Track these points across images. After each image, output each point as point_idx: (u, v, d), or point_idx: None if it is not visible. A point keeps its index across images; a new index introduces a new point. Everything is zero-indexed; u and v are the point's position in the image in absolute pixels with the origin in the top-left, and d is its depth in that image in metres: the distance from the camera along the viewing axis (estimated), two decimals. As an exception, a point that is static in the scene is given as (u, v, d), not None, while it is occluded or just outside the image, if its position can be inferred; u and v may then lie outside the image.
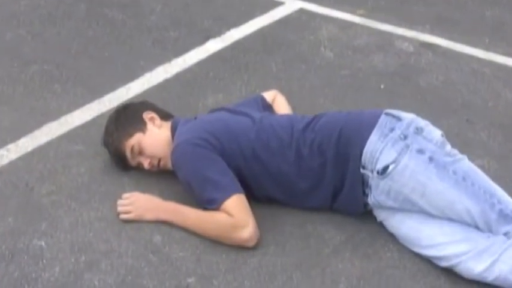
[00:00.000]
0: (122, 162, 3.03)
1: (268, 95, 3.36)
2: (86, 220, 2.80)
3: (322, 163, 2.77)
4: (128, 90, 3.69)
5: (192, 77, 3.84)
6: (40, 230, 2.74)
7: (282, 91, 3.46)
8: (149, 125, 3.00)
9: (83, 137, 3.28)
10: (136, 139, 2.95)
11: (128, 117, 3.03)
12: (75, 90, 3.65)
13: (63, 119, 3.40)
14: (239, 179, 2.76)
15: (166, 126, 3.02)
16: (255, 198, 2.80)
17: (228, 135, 2.81)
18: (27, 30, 4.26)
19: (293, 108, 3.35)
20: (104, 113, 3.44)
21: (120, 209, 2.84)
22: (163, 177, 2.98)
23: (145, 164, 2.97)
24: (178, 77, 3.83)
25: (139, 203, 2.84)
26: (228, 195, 2.68)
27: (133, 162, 3.01)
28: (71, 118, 3.42)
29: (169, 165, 2.90)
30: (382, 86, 3.84)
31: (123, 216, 2.82)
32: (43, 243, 2.68)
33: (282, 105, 3.35)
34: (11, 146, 3.19)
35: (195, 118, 3.02)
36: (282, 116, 3.06)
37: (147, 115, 3.02)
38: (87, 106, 3.52)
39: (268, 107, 3.27)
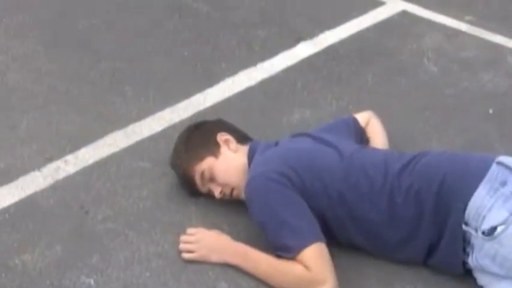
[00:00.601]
0: (191, 188, 2.67)
1: (362, 117, 2.94)
2: (144, 256, 2.45)
3: (418, 214, 2.36)
4: (205, 97, 3.32)
5: (277, 86, 3.43)
6: (90, 264, 2.40)
7: (377, 109, 3.03)
8: (223, 149, 2.63)
9: (150, 151, 2.92)
10: (207, 164, 2.59)
11: (200, 137, 2.67)
12: (147, 93, 3.28)
13: (130, 129, 3.05)
14: (320, 221, 2.38)
15: (243, 151, 2.64)
16: (336, 242, 2.44)
17: (311, 172, 2.42)
18: (102, 20, 3.92)
19: (387, 131, 2.92)
20: (176, 123, 3.08)
21: (182, 246, 2.48)
22: (236, 209, 2.61)
23: (216, 192, 2.60)
24: (263, 85, 3.43)
25: (205, 241, 2.47)
26: (306, 244, 2.30)
27: (203, 189, 2.65)
28: (139, 128, 3.06)
29: (243, 195, 2.52)
30: (490, 111, 3.36)
31: (185, 255, 2.46)
32: (92, 282, 2.35)
33: (376, 131, 2.92)
34: (69, 158, 2.86)
35: (276, 144, 2.62)
36: (375, 152, 2.61)
37: (222, 137, 2.65)
38: (159, 114, 3.15)
39: (360, 132, 2.86)
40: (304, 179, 2.40)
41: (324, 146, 2.54)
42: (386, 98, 3.39)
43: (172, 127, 3.07)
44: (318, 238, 2.33)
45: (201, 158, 2.60)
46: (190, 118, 3.12)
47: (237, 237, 2.51)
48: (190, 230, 2.53)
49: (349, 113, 3.06)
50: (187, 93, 3.31)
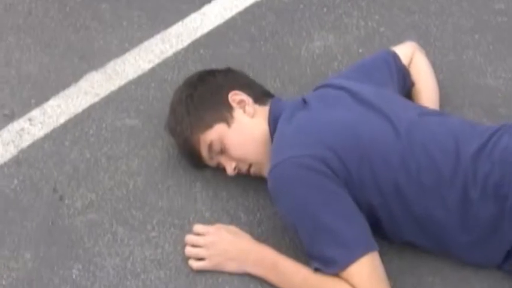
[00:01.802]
0: (195, 160, 2.08)
1: (404, 52, 2.27)
2: (139, 264, 1.90)
3: (498, 212, 1.78)
4: (202, 18, 2.61)
5: (291, 0, 2.72)
6: (70, 278, 1.83)
7: (415, 32, 2.46)
8: (237, 113, 2.01)
9: (138, 100, 2.31)
10: (217, 133, 1.98)
11: (206, 96, 2.03)
12: (130, 15, 2.57)
13: (110, 68, 2.40)
14: (368, 217, 1.81)
15: (262, 114, 2.02)
16: (388, 240, 1.90)
17: (358, 155, 1.82)
18: None
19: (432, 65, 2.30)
20: (169, 58, 2.45)
21: (189, 251, 1.91)
22: (255, 187, 2.05)
23: (229, 168, 2.01)
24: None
25: (219, 246, 1.90)
26: (354, 257, 1.74)
27: (210, 162, 2.06)
28: (122, 66, 2.42)
29: (264, 172, 1.94)
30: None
31: (193, 264, 1.90)
32: (73, 308, 1.76)
33: (423, 74, 2.29)
34: (35, 114, 2.22)
35: (304, 103, 1.99)
36: (441, 124, 1.95)
37: (235, 96, 2.03)
38: (146, 45, 2.48)
39: (403, 75, 2.22)
40: (348, 166, 1.80)
41: (371, 114, 1.92)
42: (424, 17, 2.70)
43: (164, 63, 2.43)
44: (369, 248, 1.77)
45: (209, 126, 1.99)
46: (186, 49, 2.46)
47: (257, 229, 1.97)
48: (198, 228, 1.94)
49: (381, 37, 2.52)
50: (179, 13, 2.61)
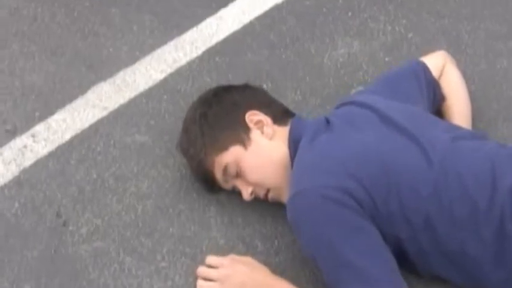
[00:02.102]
0: (208, 183, 1.93)
1: (434, 63, 2.10)
2: (147, 298, 1.72)
3: (538, 247, 1.61)
4: (218, 22, 2.46)
5: (312, 4, 2.56)
6: (74, 318, 1.68)
7: (447, 38, 2.30)
8: (254, 134, 1.86)
9: (149, 115, 2.16)
10: (233, 156, 1.84)
11: (221, 116, 1.89)
12: (140, 19, 2.42)
13: (120, 78, 2.26)
14: (396, 253, 1.66)
15: (282, 136, 1.87)
16: (416, 274, 1.75)
17: (385, 186, 1.66)
18: None
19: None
20: (183, 67, 2.28)
21: (201, 286, 1.78)
22: (273, 212, 1.90)
23: (245, 193, 1.87)
24: (293, 2, 2.56)
25: (234, 280, 1.76)
26: (381, 297, 1.56)
27: (225, 186, 1.91)
28: (133, 76, 2.27)
29: (283, 198, 1.81)
30: None
31: (205, 299, 1.73)
32: None
33: (454, 85, 2.12)
34: (39, 129, 2.07)
35: (328, 123, 1.83)
36: (476, 150, 1.77)
37: (253, 116, 1.88)
38: (158, 53, 2.32)
39: (433, 89, 2.05)
40: (375, 197, 1.65)
41: (400, 138, 1.76)
42: (454, 22, 2.52)
43: (177, 73, 2.28)
44: (397, 286, 1.62)
45: (224, 148, 1.84)
46: (201, 58, 2.30)
47: (274, 258, 1.82)
48: (212, 260, 1.80)
49: (409, 44, 2.36)
50: (194, 18, 2.45)
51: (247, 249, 1.83)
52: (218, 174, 1.86)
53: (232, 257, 1.80)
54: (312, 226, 1.64)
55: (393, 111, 1.83)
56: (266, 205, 1.87)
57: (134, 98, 2.18)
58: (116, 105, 2.16)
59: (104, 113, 2.14)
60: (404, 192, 1.65)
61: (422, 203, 1.64)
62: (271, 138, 1.85)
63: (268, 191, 1.85)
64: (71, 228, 1.86)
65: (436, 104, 2.05)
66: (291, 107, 1.97)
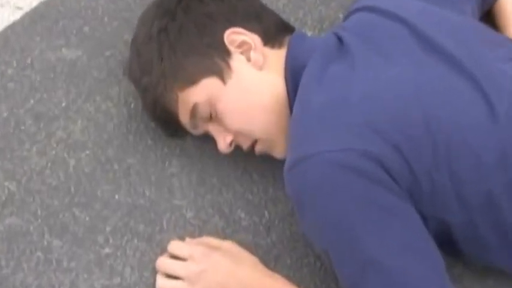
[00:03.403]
0: (169, 126, 1.38)
1: None
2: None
3: None
4: None
5: None
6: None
7: None
8: (237, 61, 1.29)
9: (81, 18, 1.54)
10: (205, 93, 1.28)
11: (189, 33, 1.29)
12: None
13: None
14: (438, 239, 1.16)
15: (276, 64, 1.29)
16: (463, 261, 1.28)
17: (432, 152, 1.13)
18: None
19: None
20: None
21: (163, 286, 1.23)
22: (262, 165, 1.37)
23: (222, 143, 1.32)
24: None
25: (209, 277, 1.24)
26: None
27: (194, 131, 1.36)
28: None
29: (278, 152, 1.30)
30: None
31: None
32: None
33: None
34: None
35: (339, 40, 1.26)
36: None
37: (235, 35, 1.30)
38: None
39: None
40: (414, 166, 1.12)
41: (447, 74, 1.19)
42: None
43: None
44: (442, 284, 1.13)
45: (193, 80, 1.28)
46: None
47: (265, 239, 1.32)
48: (176, 247, 1.29)
49: None
50: None
51: (227, 225, 1.33)
52: (184, 117, 1.31)
53: (207, 241, 1.28)
54: (325, 208, 1.12)
55: (435, 27, 1.25)
56: (252, 157, 1.33)
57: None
58: (34, 3, 1.53)
59: (17, 15, 1.51)
60: (458, 159, 1.13)
61: (483, 174, 1.13)
62: (261, 68, 1.29)
63: (255, 141, 1.32)
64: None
65: (488, 5, 1.48)
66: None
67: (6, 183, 1.33)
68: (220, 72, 1.27)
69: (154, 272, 1.26)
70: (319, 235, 1.16)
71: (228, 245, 1.28)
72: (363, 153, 1.10)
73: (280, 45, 1.31)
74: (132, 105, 1.43)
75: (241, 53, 1.29)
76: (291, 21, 1.45)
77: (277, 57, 1.30)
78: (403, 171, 1.11)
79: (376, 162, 1.10)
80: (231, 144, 1.31)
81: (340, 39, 1.25)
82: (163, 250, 1.28)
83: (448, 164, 1.12)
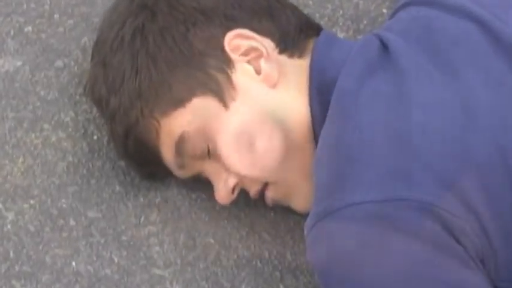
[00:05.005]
0: (146, 165, 1.09)
1: None
2: None
3: None
4: None
5: None
6: None
7: None
8: (243, 74, 1.00)
9: (22, 14, 1.23)
10: (198, 118, 1.01)
11: (176, 35, 1.02)
12: None
13: None
14: None
15: (297, 78, 1.02)
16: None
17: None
18: None
19: None
20: None
21: None
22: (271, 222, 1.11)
23: (222, 188, 1.03)
24: None
25: None
26: None
27: (180, 172, 1.06)
28: None
29: (298, 202, 1.03)
30: None
31: None
32: None
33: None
34: None
35: (383, 45, 0.97)
36: None
37: (240, 40, 1.01)
38: None
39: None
40: (488, 225, 0.88)
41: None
42: None
43: None
44: None
45: (180, 100, 1.02)
46: None
47: None
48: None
49: None
50: None
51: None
52: (167, 153, 1.04)
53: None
54: (359, 284, 0.89)
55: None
56: (262, 209, 1.08)
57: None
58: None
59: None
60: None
61: None
62: (274, 85, 1.02)
63: (266, 186, 1.04)
64: None
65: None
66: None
67: None
68: (219, 91, 0.99)
69: None
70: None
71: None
72: (418, 206, 0.84)
73: (301, 53, 1.04)
74: (95, 137, 1.11)
75: (248, 62, 1.00)
76: (316, 18, 1.16)
77: (297, 69, 1.03)
78: (474, 231, 0.86)
79: (439, 221, 0.85)
80: (234, 190, 1.02)
81: (384, 45, 0.98)
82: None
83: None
